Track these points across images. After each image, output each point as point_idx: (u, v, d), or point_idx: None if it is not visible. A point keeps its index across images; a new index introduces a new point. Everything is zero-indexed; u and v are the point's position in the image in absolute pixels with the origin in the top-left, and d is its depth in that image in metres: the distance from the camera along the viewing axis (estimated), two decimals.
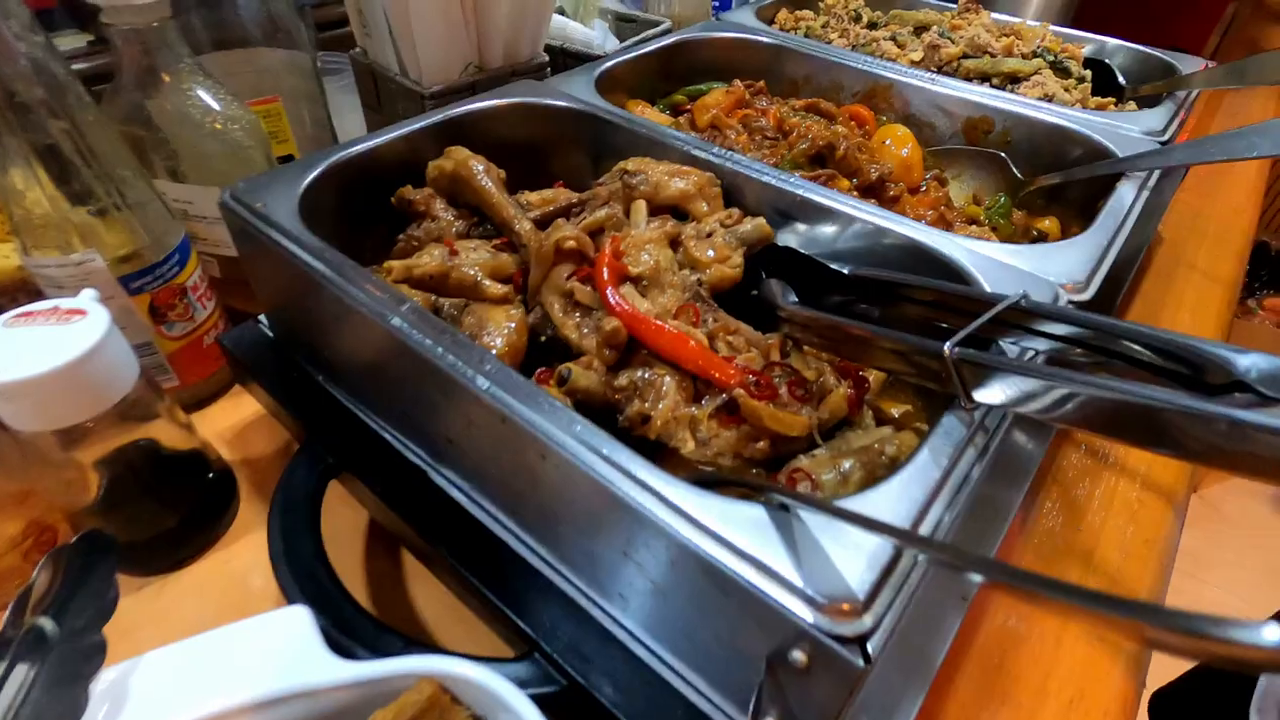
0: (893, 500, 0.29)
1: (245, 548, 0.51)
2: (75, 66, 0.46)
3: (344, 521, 0.51)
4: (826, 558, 0.26)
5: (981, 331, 0.36)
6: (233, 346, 0.53)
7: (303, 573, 0.37)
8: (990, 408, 0.32)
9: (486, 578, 0.39)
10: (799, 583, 0.26)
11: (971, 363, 0.31)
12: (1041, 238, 0.59)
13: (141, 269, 0.51)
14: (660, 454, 0.42)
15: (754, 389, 0.40)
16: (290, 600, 0.37)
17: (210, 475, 0.51)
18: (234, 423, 0.59)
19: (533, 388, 0.33)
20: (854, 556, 0.26)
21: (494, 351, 0.43)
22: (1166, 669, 1.06)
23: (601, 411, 0.41)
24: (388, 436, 0.46)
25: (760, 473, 0.41)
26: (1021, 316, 0.34)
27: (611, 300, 0.40)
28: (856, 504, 0.29)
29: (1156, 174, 0.53)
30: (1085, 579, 0.52)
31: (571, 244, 0.42)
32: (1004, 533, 0.39)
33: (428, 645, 0.37)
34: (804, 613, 0.25)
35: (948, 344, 0.32)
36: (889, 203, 0.58)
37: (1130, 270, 0.71)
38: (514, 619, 0.37)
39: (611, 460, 0.30)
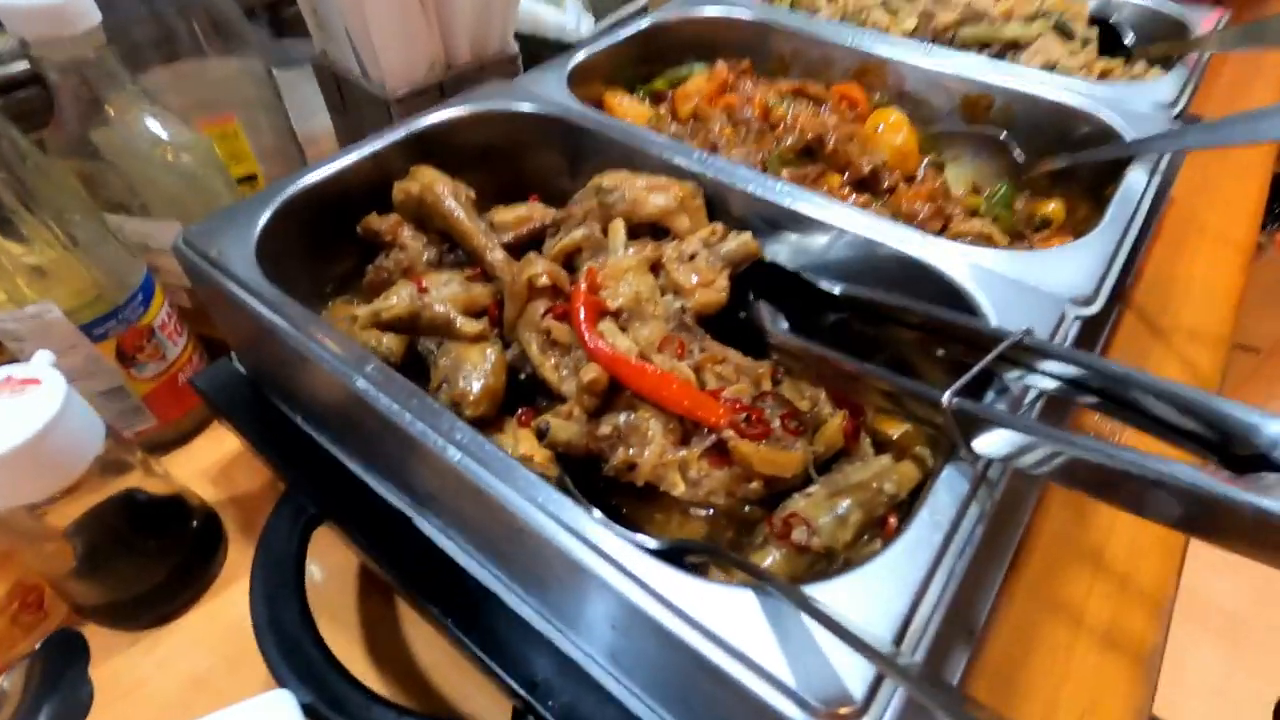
0: (892, 572, 0.28)
1: (238, 593, 0.50)
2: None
3: (337, 561, 0.50)
4: (820, 652, 0.25)
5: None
6: (205, 387, 0.51)
7: (288, 645, 0.36)
8: (991, 460, 0.30)
9: (478, 630, 0.38)
10: (791, 683, 0.24)
11: (970, 414, 0.29)
12: (1045, 224, 0.56)
13: (103, 314, 0.49)
14: (651, 494, 0.40)
15: (744, 427, 0.38)
16: (276, 676, 0.36)
17: (194, 523, 0.50)
18: (219, 458, 0.58)
19: (505, 459, 0.31)
20: (851, 652, 0.24)
21: (471, 395, 0.41)
22: None
23: (588, 459, 0.39)
24: (370, 481, 0.44)
25: (756, 510, 0.40)
26: (1025, 353, 0.32)
27: (590, 343, 0.38)
28: (855, 579, 0.27)
29: (1167, 155, 0.49)
30: (1094, 581, 0.51)
31: (544, 280, 0.40)
32: (1002, 575, 0.38)
33: (420, 715, 0.36)
34: (798, 717, 0.24)
35: (947, 393, 0.30)
36: (883, 195, 0.55)
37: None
38: (507, 680, 0.36)
39: (588, 541, 0.29)
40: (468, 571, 0.40)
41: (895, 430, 0.43)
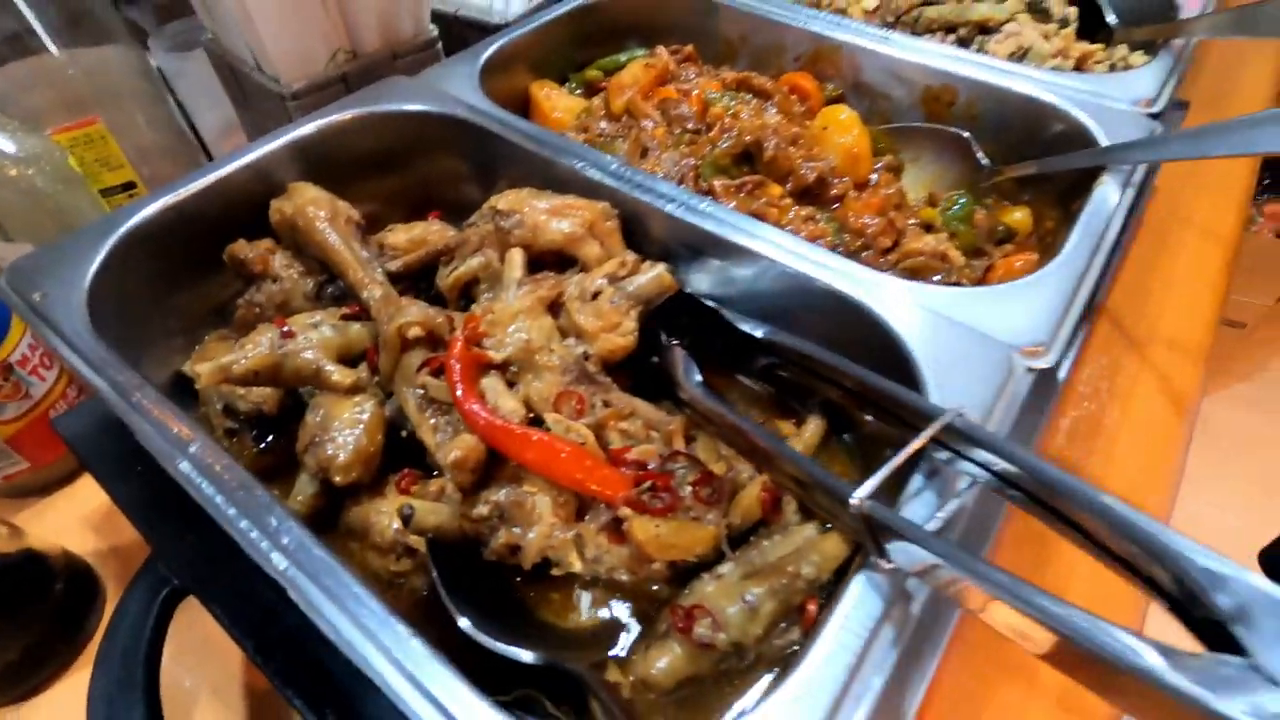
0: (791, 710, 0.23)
1: None
2: None
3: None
4: None
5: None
6: (70, 430, 0.45)
7: None
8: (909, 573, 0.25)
9: None
10: None
11: (882, 523, 0.25)
12: (1009, 236, 0.51)
13: None
14: (548, 571, 0.35)
15: (645, 501, 0.33)
16: None
17: (57, 585, 0.45)
18: (103, 502, 0.52)
19: (338, 572, 0.26)
20: None
21: (340, 460, 0.36)
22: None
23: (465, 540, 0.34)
24: (241, 542, 0.39)
25: (666, 588, 0.35)
26: (956, 437, 0.27)
27: (464, 407, 0.32)
28: None
29: (1143, 166, 0.44)
30: None
31: (416, 332, 0.34)
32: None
33: None
34: None
35: (856, 493, 0.25)
36: (830, 205, 0.50)
37: None
38: None
39: (426, 692, 0.24)
40: (350, 659, 0.35)
41: None
